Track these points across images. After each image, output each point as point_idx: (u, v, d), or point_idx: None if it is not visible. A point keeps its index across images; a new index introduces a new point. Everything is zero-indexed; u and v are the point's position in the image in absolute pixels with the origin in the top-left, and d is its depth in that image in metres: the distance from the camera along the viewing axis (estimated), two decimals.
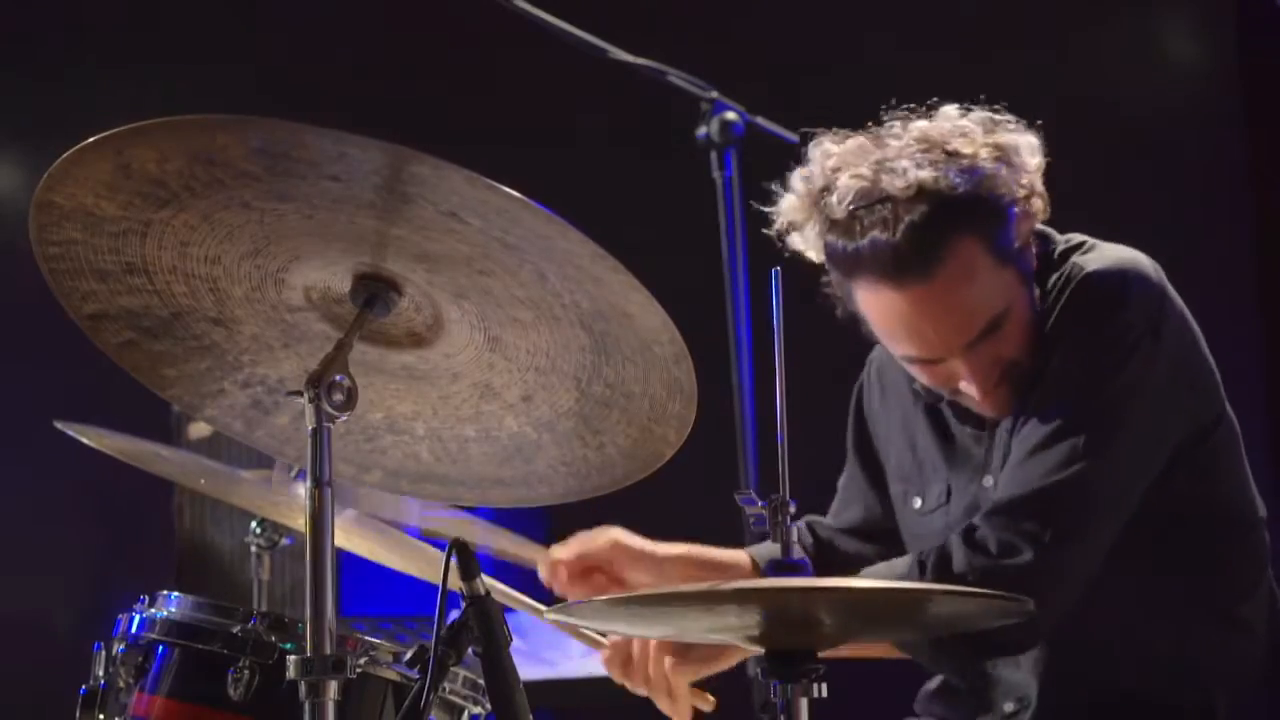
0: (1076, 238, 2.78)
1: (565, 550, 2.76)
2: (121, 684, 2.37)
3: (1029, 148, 2.67)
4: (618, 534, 2.77)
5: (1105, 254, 2.72)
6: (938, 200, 2.55)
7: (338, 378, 2.04)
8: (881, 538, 2.96)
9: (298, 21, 5.32)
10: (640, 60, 3.54)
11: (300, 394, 2.04)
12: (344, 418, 2.04)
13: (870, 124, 2.67)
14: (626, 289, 1.98)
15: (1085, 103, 5.26)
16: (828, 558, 2.98)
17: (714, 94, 3.56)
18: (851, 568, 2.85)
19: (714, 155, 3.56)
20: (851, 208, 2.57)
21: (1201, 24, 5.81)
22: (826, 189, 2.61)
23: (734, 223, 3.55)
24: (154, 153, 1.93)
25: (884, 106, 2.68)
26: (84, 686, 2.39)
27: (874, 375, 3.01)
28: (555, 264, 1.99)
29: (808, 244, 2.70)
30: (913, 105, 2.69)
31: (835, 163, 2.62)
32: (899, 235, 2.54)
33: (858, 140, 2.64)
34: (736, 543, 3.43)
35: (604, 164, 5.16)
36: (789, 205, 2.69)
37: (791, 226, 2.70)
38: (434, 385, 2.27)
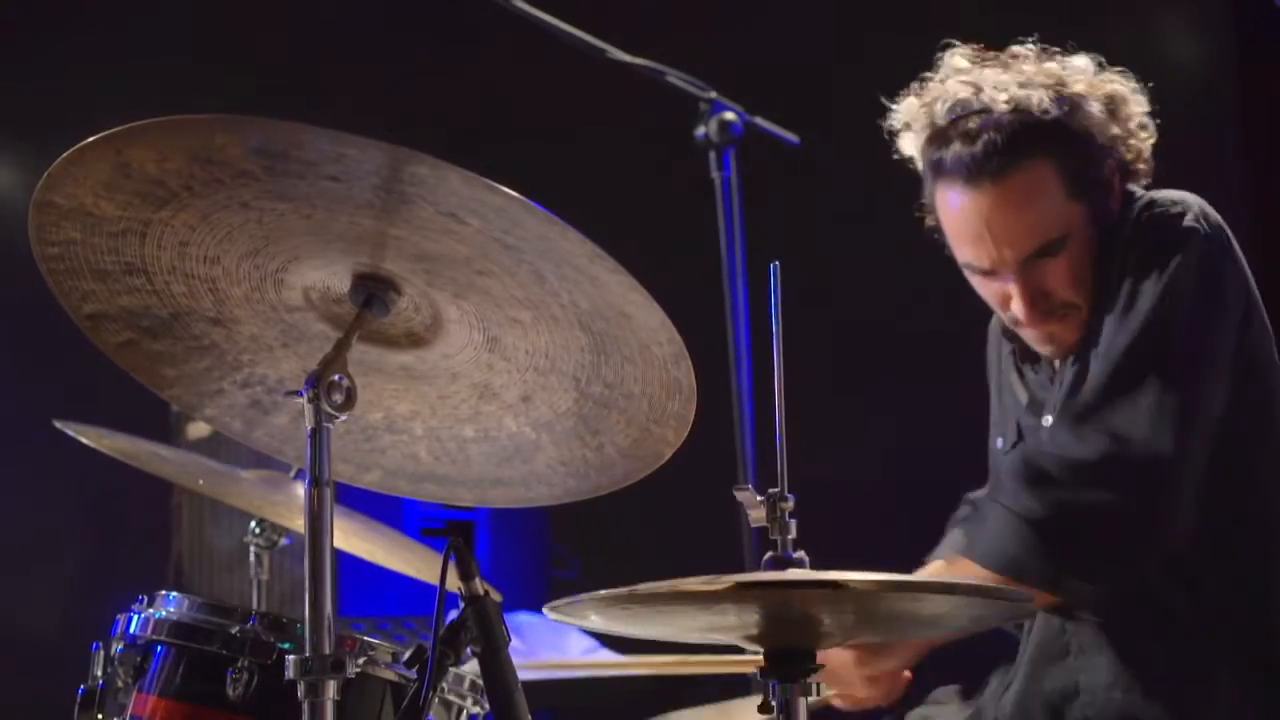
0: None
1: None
2: (120, 684, 2.37)
3: (1140, 109, 2.83)
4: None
5: (1175, 194, 2.82)
6: (1027, 118, 2.73)
7: (337, 378, 2.04)
8: None
9: (297, 21, 5.33)
10: (639, 60, 3.55)
11: (299, 394, 2.04)
12: (343, 418, 2.04)
13: (1005, 50, 2.85)
14: (625, 289, 1.98)
15: None
16: None
17: (713, 94, 3.57)
18: None
19: (713, 155, 3.56)
20: (951, 116, 2.77)
21: (1201, 24, 5.81)
22: (938, 98, 2.79)
23: (733, 222, 3.55)
24: (153, 153, 1.93)
25: (1023, 39, 2.87)
26: (82, 686, 2.39)
27: (991, 340, 3.11)
28: (554, 264, 1.99)
29: (912, 147, 2.87)
30: (1050, 47, 2.86)
31: (949, 74, 2.81)
32: (981, 141, 2.73)
33: (980, 57, 2.83)
34: (735, 541, 3.44)
35: (603, 164, 5.16)
36: (905, 106, 2.86)
37: (905, 127, 2.86)
38: (433, 385, 2.27)
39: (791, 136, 3.72)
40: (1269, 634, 2.74)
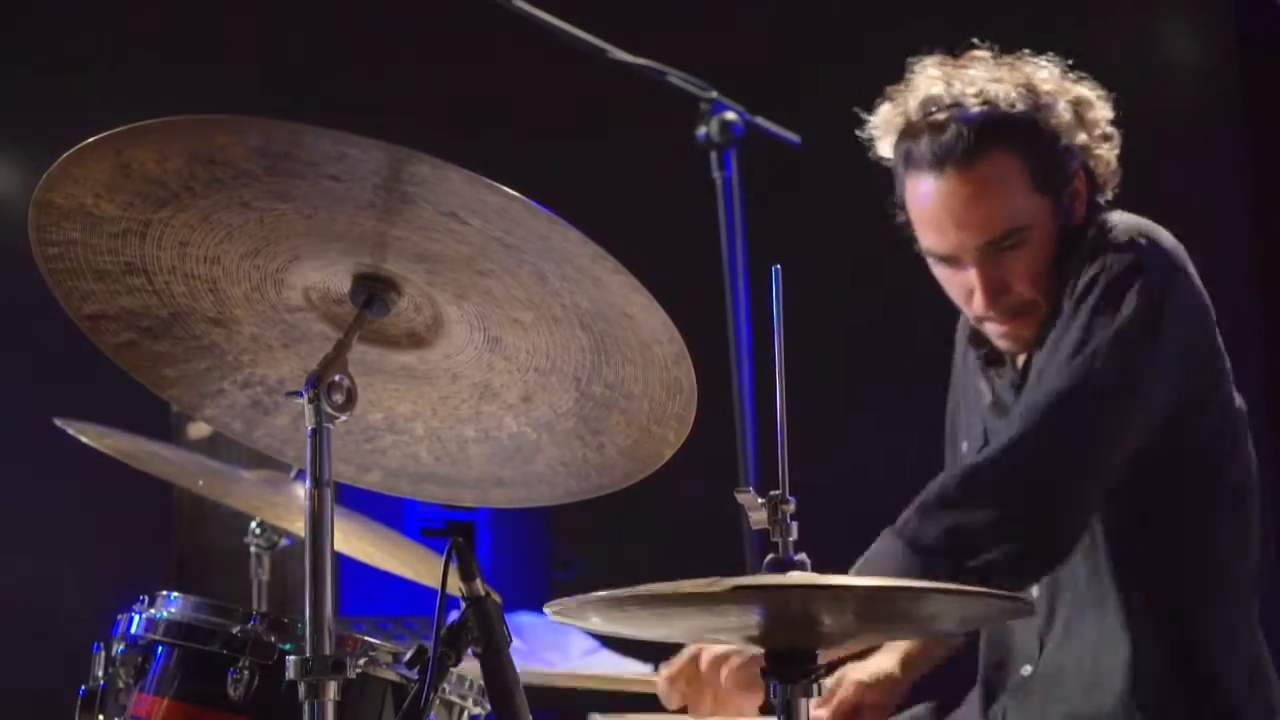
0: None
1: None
2: (121, 684, 2.36)
3: (1104, 116, 2.91)
4: (857, 674, 3.02)
5: (1129, 219, 2.87)
6: (995, 111, 2.80)
7: (337, 378, 2.04)
8: None
9: (297, 21, 5.33)
10: (640, 60, 3.54)
11: (299, 394, 2.04)
12: (344, 418, 2.04)
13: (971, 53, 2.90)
14: (626, 289, 1.98)
15: None
16: None
17: (714, 94, 3.56)
18: None
19: (714, 155, 3.56)
20: (923, 111, 2.83)
21: (1201, 24, 5.81)
22: (910, 96, 2.86)
23: (734, 222, 3.55)
24: (153, 153, 1.93)
25: (993, 45, 2.92)
26: (84, 687, 2.39)
27: (958, 348, 3.15)
28: (555, 264, 1.99)
29: (888, 148, 2.92)
30: (1026, 50, 2.90)
31: (921, 73, 2.87)
32: (949, 130, 2.79)
33: (949, 63, 2.88)
34: (736, 542, 3.44)
35: (604, 164, 5.16)
36: (880, 113, 2.91)
37: (881, 132, 2.92)
38: (434, 385, 2.27)
39: (792, 136, 3.72)
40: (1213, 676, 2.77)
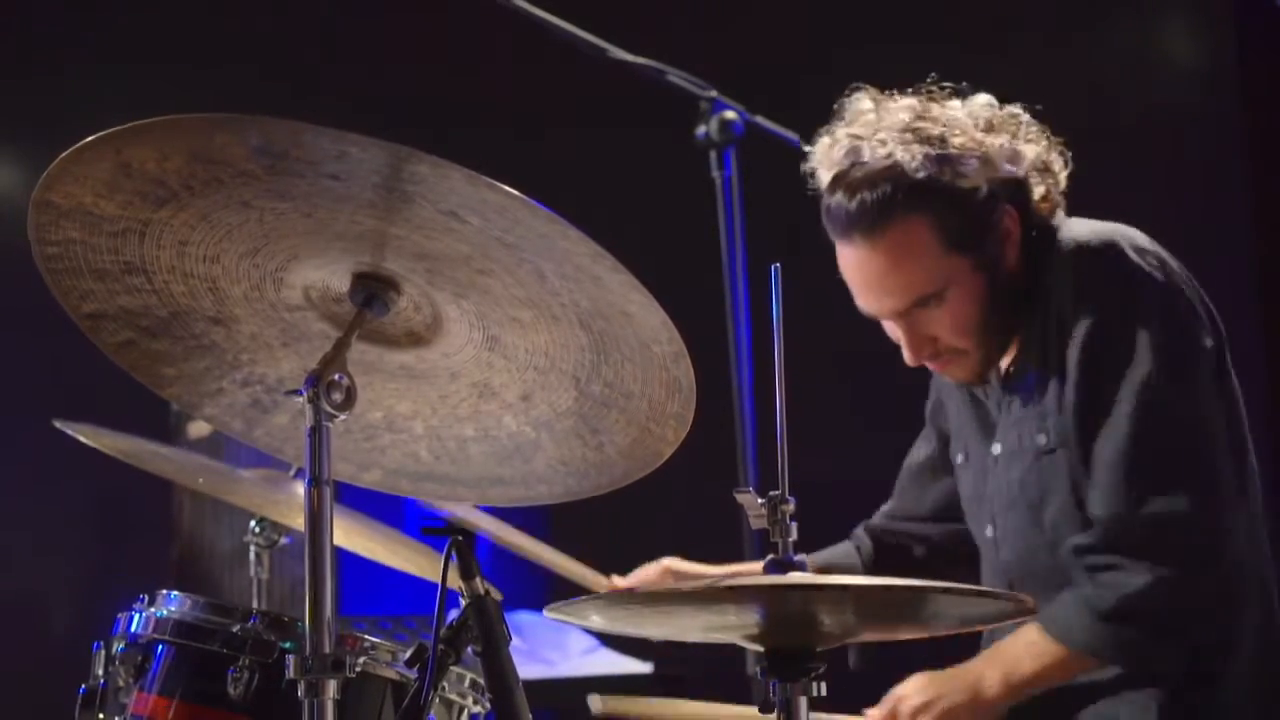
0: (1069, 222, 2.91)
1: (624, 581, 3.05)
2: (121, 683, 2.37)
3: (1033, 151, 2.85)
4: (671, 562, 3.08)
5: (1088, 235, 2.84)
6: (898, 178, 2.77)
7: (337, 377, 2.04)
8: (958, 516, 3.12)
9: (297, 21, 5.33)
10: (640, 60, 3.54)
11: (299, 393, 2.04)
12: (343, 417, 2.04)
13: (914, 88, 2.87)
14: (626, 288, 1.98)
15: (1085, 103, 5.27)
16: (895, 557, 3.19)
17: (713, 93, 3.56)
18: (927, 557, 3.17)
19: (713, 155, 3.56)
20: (840, 166, 2.83)
21: (1201, 24, 5.81)
22: (836, 143, 2.85)
23: (733, 222, 3.55)
24: (153, 152, 1.93)
25: (932, 78, 2.87)
26: (84, 686, 2.39)
27: None
28: (554, 263, 1.99)
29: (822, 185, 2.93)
30: (954, 86, 2.87)
31: (848, 121, 2.85)
32: (855, 200, 2.78)
33: (874, 104, 2.85)
34: (735, 542, 3.43)
35: (604, 163, 5.16)
36: (818, 147, 2.90)
37: (818, 165, 2.91)
38: (433, 384, 2.27)
39: (792, 136, 3.71)
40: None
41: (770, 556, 2.10)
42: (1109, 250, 2.79)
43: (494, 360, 2.20)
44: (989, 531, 2.97)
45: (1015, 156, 2.82)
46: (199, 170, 1.95)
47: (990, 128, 2.82)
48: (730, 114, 3.55)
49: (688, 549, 3.36)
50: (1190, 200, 5.35)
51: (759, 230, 3.60)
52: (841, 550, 3.27)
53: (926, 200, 2.77)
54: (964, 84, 2.89)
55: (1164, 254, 2.82)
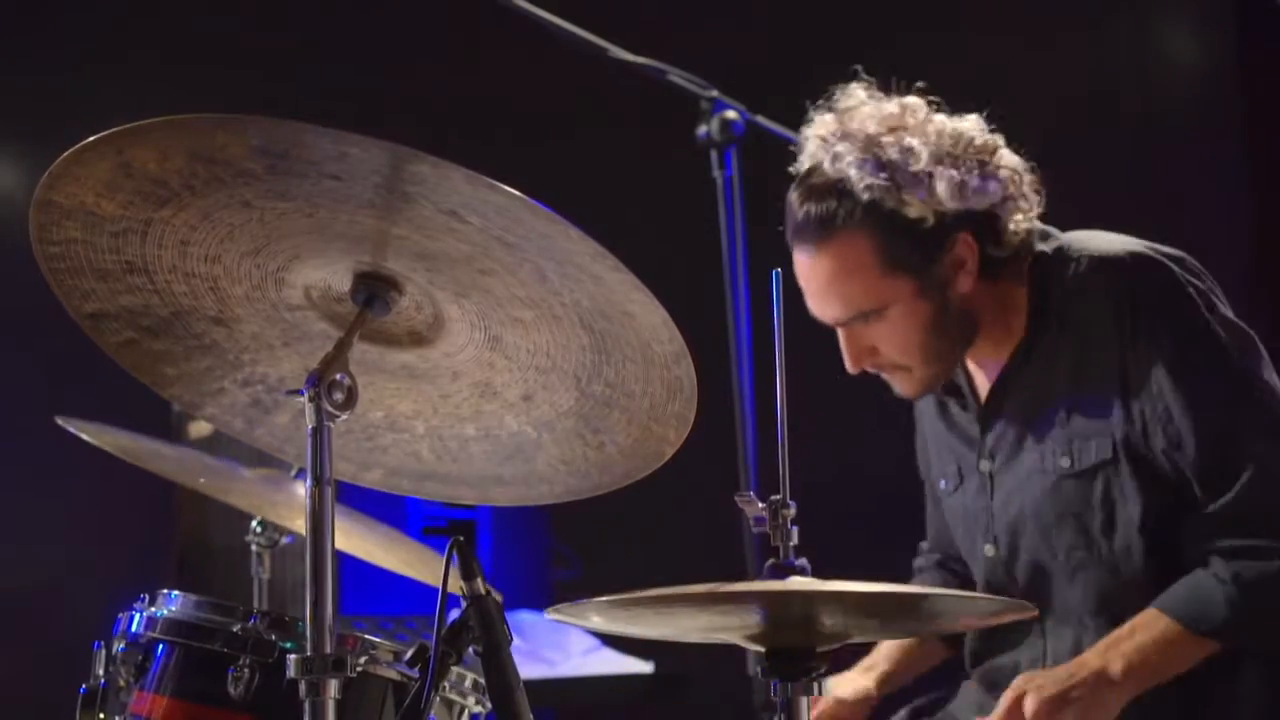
0: (1059, 235, 2.92)
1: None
2: (122, 683, 2.37)
3: (995, 188, 2.84)
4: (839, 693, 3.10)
5: (1110, 242, 2.85)
6: (846, 194, 2.81)
7: (338, 377, 2.04)
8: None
9: (298, 21, 5.33)
10: (640, 59, 3.54)
11: (300, 393, 2.04)
12: (344, 416, 2.04)
13: (913, 88, 2.89)
14: (627, 288, 1.98)
15: (1085, 103, 5.27)
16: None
17: (714, 93, 3.56)
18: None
19: (714, 154, 3.56)
20: (806, 165, 2.88)
21: (1201, 24, 5.81)
22: (814, 136, 2.89)
23: (734, 222, 3.55)
24: (154, 152, 1.93)
25: (919, 84, 2.89)
26: (84, 685, 2.39)
27: None
28: (555, 263, 1.99)
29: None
30: (935, 100, 2.88)
31: (817, 126, 2.89)
32: (803, 209, 2.84)
33: (856, 104, 2.87)
34: (736, 544, 3.43)
35: (604, 163, 5.16)
36: (812, 127, 2.93)
37: (798, 153, 2.94)
38: (434, 384, 2.27)
39: (792, 136, 3.71)
40: None
41: (771, 561, 2.10)
42: (1146, 263, 2.79)
43: (495, 360, 2.20)
44: (988, 550, 2.96)
45: (972, 192, 2.82)
46: (200, 170, 1.95)
47: (954, 160, 2.81)
48: (731, 114, 3.55)
49: (688, 548, 3.37)
50: (1190, 200, 5.35)
51: (759, 230, 3.60)
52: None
53: (870, 220, 2.80)
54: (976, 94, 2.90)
55: (1185, 255, 2.83)
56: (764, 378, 3.48)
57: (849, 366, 2.92)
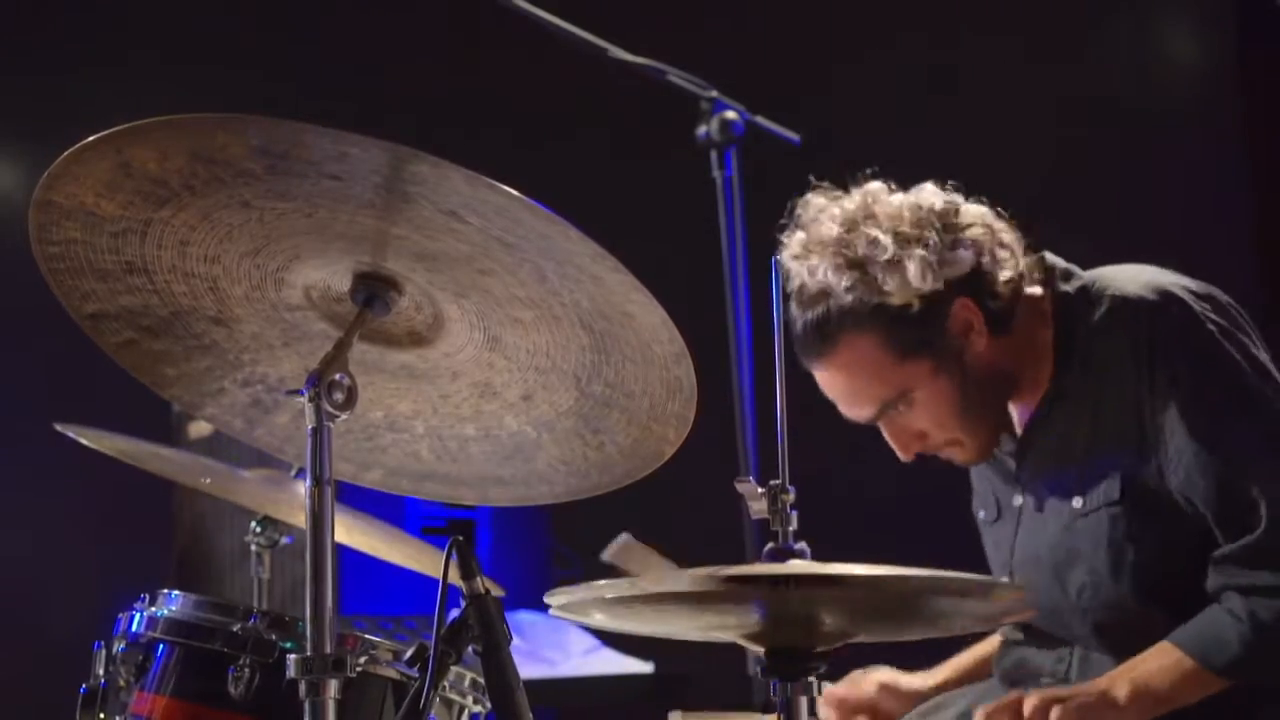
0: (1081, 275, 2.90)
1: (836, 688, 3.02)
2: (122, 683, 2.37)
3: (966, 253, 2.83)
4: (885, 676, 3.06)
5: (1135, 279, 2.84)
6: (831, 301, 2.82)
7: (338, 377, 2.04)
8: None
9: (298, 21, 5.33)
10: (640, 60, 3.54)
11: (300, 393, 2.04)
12: (344, 416, 2.04)
13: (866, 177, 2.87)
14: (626, 288, 1.98)
15: (1085, 103, 5.27)
16: None
17: (714, 93, 3.57)
18: None
19: (714, 154, 3.56)
20: (792, 286, 2.86)
21: (1201, 24, 5.81)
22: (789, 257, 2.87)
23: (734, 222, 3.55)
24: (154, 152, 1.93)
25: (871, 170, 2.87)
26: (84, 685, 2.39)
27: None
28: (555, 263, 1.99)
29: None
30: (891, 184, 2.86)
31: (790, 247, 2.86)
32: (801, 324, 2.85)
33: (815, 214, 2.86)
34: (737, 538, 3.43)
35: (604, 163, 5.16)
36: (788, 269, 2.90)
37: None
38: (434, 384, 2.27)
39: (792, 136, 3.72)
40: None
41: (770, 545, 2.09)
42: (1165, 300, 2.78)
43: (495, 360, 2.20)
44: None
45: (945, 264, 2.80)
46: (200, 170, 1.95)
47: (918, 239, 2.80)
48: (730, 114, 3.55)
49: (690, 547, 3.36)
50: (1190, 200, 5.35)
51: (759, 230, 3.60)
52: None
53: (863, 318, 2.80)
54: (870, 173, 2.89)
55: (1214, 291, 2.81)
56: (764, 378, 3.49)
57: (902, 457, 2.92)
